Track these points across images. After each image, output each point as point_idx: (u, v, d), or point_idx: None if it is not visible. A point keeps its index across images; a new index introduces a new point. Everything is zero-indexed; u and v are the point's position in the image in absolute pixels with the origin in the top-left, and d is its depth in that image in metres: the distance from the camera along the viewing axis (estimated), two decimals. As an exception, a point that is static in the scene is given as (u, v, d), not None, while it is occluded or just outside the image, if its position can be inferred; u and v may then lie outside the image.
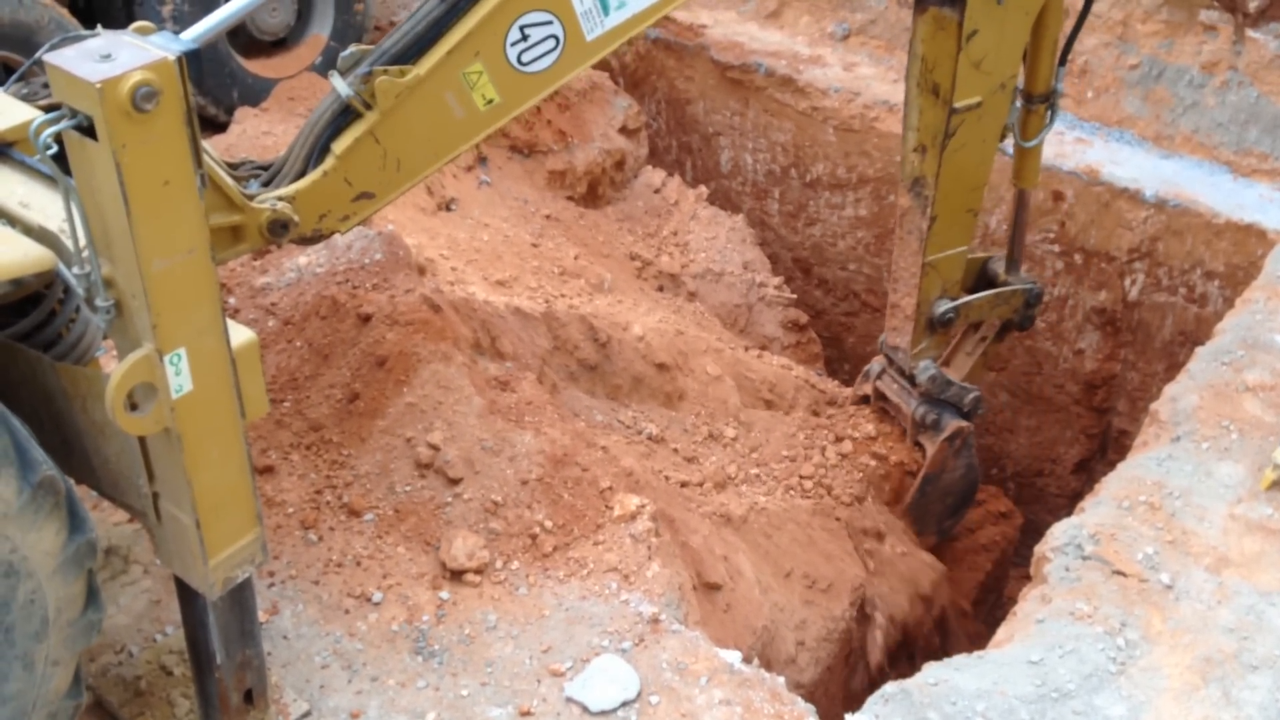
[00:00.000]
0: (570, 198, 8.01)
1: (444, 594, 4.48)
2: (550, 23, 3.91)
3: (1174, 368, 6.78)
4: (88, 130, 2.79)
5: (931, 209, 5.76)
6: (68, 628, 3.38)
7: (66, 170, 2.90)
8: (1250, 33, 7.58)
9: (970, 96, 5.42)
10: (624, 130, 8.43)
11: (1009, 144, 6.00)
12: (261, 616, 4.07)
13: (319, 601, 4.42)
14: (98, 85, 2.69)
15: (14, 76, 3.76)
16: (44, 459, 3.15)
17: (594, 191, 8.23)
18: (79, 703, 3.55)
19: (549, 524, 4.72)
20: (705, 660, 4.29)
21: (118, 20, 6.77)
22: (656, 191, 8.50)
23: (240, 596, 3.64)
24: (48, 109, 2.95)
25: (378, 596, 4.45)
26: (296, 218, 3.78)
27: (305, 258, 5.70)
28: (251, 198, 3.71)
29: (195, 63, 2.92)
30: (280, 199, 3.76)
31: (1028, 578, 5.03)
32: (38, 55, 2.95)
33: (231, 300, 5.53)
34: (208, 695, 3.81)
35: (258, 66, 8.04)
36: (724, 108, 9.32)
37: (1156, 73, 7.97)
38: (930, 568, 6.71)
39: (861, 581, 6.10)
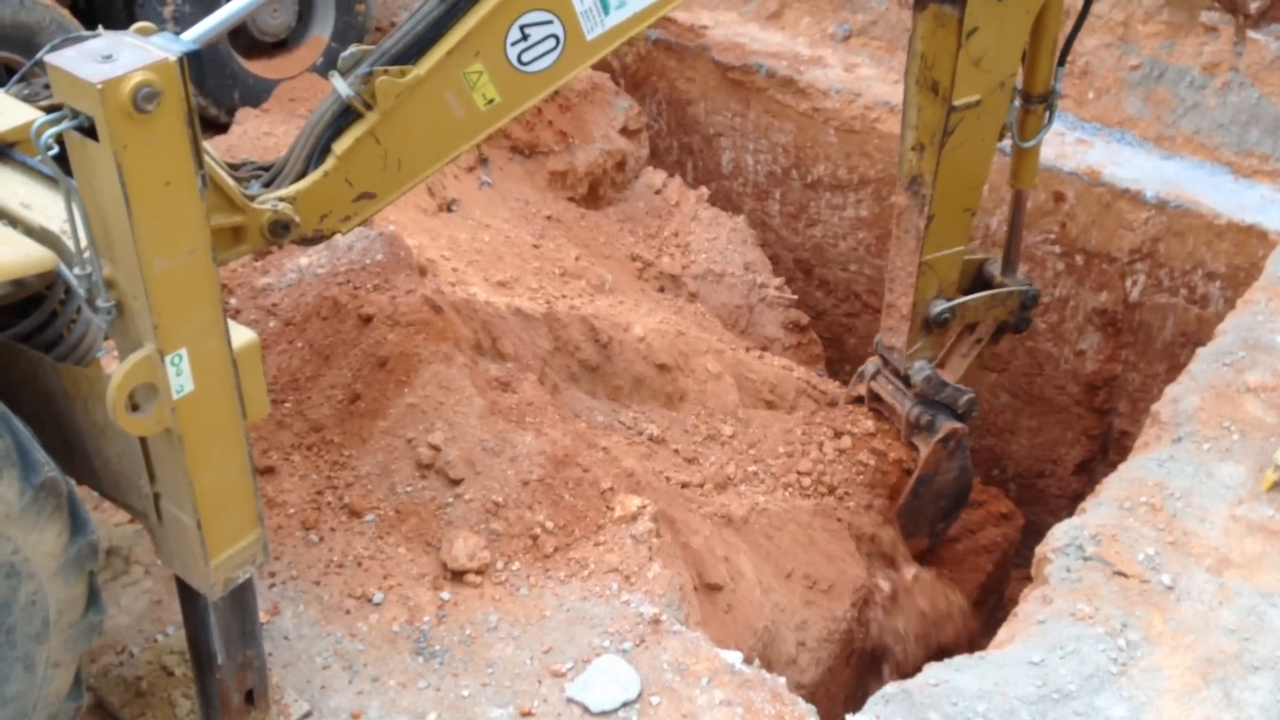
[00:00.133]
0: (571, 199, 8.01)
1: (445, 594, 4.48)
2: (550, 22, 3.91)
3: (1175, 369, 6.78)
4: (89, 131, 2.79)
5: (929, 208, 5.75)
6: (69, 629, 3.38)
7: (68, 171, 2.90)
8: (1251, 34, 7.58)
9: (969, 94, 5.42)
10: (625, 131, 8.43)
11: (1008, 144, 6.00)
12: (262, 617, 4.07)
13: (320, 602, 4.42)
14: (99, 86, 2.69)
15: (15, 77, 3.76)
16: (46, 460, 3.15)
17: (595, 192, 8.23)
18: (79, 704, 3.55)
19: (550, 525, 4.72)
20: (706, 661, 4.29)
21: (119, 21, 6.78)
22: (657, 192, 8.50)
23: (241, 597, 3.64)
24: (49, 110, 2.95)
25: (379, 597, 4.45)
26: (298, 218, 3.78)
27: (306, 258, 5.70)
28: (252, 198, 3.71)
29: (196, 63, 2.93)
30: (281, 199, 3.76)
31: (1029, 578, 5.03)
32: (39, 56, 2.95)
33: (233, 301, 5.53)
34: (209, 696, 3.81)
35: (259, 67, 8.05)
36: (725, 109, 9.33)
37: (1157, 74, 7.97)
38: (950, 603, 6.66)
39: (863, 582, 6.09)
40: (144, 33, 2.99)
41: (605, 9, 3.99)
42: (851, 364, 9.12)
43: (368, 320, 5.24)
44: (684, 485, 5.75)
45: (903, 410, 6.49)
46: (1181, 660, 4.27)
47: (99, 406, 3.23)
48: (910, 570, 6.59)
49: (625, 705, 4.13)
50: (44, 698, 3.39)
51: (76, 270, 3.00)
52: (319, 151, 3.88)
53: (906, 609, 6.46)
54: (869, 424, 6.67)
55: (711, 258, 8.13)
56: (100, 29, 3.17)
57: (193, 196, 2.98)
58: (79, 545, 3.29)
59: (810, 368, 7.85)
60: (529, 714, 4.11)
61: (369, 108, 3.82)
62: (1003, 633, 4.65)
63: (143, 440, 3.29)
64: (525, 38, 3.90)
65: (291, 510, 4.71)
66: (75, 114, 2.80)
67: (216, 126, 7.52)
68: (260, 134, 6.89)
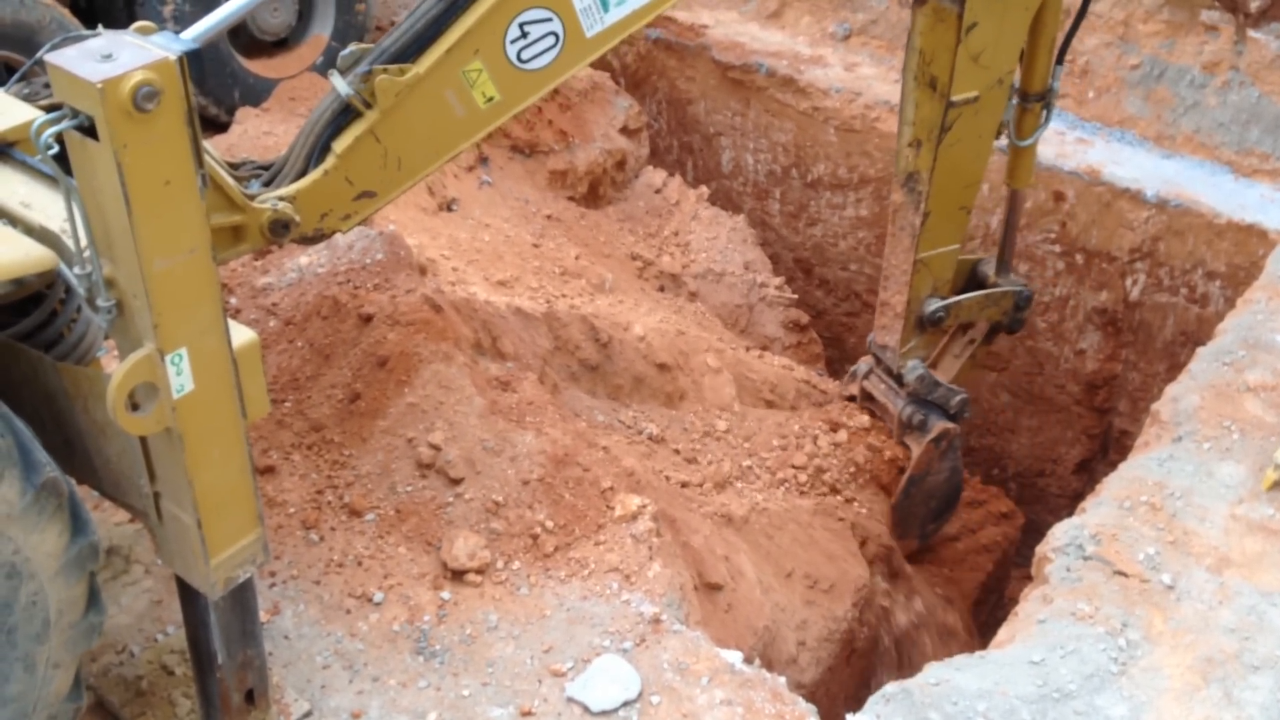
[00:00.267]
0: (571, 198, 8.01)
1: (445, 594, 4.48)
2: (550, 20, 3.91)
3: (1175, 368, 6.78)
4: (89, 130, 2.79)
5: (925, 204, 5.74)
6: (69, 630, 3.38)
7: (68, 170, 2.90)
8: (1251, 33, 7.58)
9: (968, 90, 5.42)
10: (625, 130, 8.43)
11: (1006, 143, 5.99)
12: (263, 616, 4.07)
13: (320, 601, 4.42)
14: (99, 85, 2.69)
15: (15, 76, 3.76)
16: (47, 461, 3.15)
17: (595, 191, 8.23)
18: (79, 705, 3.55)
19: (550, 524, 4.72)
20: (706, 660, 4.29)
21: (119, 20, 6.77)
22: (657, 192, 8.50)
23: (241, 596, 3.64)
24: (49, 109, 2.95)
25: (379, 596, 4.45)
26: (298, 217, 3.78)
27: (306, 258, 5.70)
28: (252, 197, 3.71)
29: (196, 63, 2.93)
30: (281, 199, 3.76)
31: (1029, 578, 5.02)
32: (39, 55, 2.95)
33: (233, 300, 5.53)
34: (209, 695, 3.81)
35: (259, 66, 8.05)
36: (725, 108, 9.32)
37: (1158, 73, 7.97)
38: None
39: (865, 582, 6.09)
40: (144, 32, 2.99)
41: (605, 6, 3.99)
42: (852, 363, 9.08)
43: (368, 320, 5.23)
44: (684, 485, 5.75)
45: (895, 409, 6.47)
46: (1182, 660, 4.27)
47: (99, 406, 3.23)
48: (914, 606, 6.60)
49: (625, 705, 4.13)
50: (44, 698, 3.38)
51: (76, 269, 3.00)
52: (319, 150, 3.88)
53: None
54: (865, 418, 6.65)
55: (711, 257, 8.13)
56: (100, 28, 3.17)
57: (193, 196, 2.98)
58: (80, 546, 3.29)
59: (810, 367, 7.84)
60: (529, 713, 4.11)
61: (369, 106, 3.82)
62: (1003, 632, 4.65)
63: (143, 440, 3.29)
64: (525, 35, 3.89)
65: (292, 510, 4.71)
66: (75, 113, 2.79)
67: (216, 126, 7.52)
68: (260, 133, 6.89)
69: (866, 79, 8.74)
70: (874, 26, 9.09)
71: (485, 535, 4.64)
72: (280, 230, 3.75)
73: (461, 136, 4.04)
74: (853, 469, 6.44)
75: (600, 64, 8.46)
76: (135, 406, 3.09)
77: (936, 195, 5.73)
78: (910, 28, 5.44)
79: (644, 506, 4.80)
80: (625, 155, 8.40)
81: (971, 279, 6.43)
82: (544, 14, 3.89)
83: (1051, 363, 8.60)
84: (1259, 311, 5.86)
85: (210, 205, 3.25)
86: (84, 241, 2.97)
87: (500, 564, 4.60)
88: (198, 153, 2.96)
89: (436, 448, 4.81)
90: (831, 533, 6.14)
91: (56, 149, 2.86)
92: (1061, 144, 7.99)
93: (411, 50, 3.81)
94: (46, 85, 3.50)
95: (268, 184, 3.89)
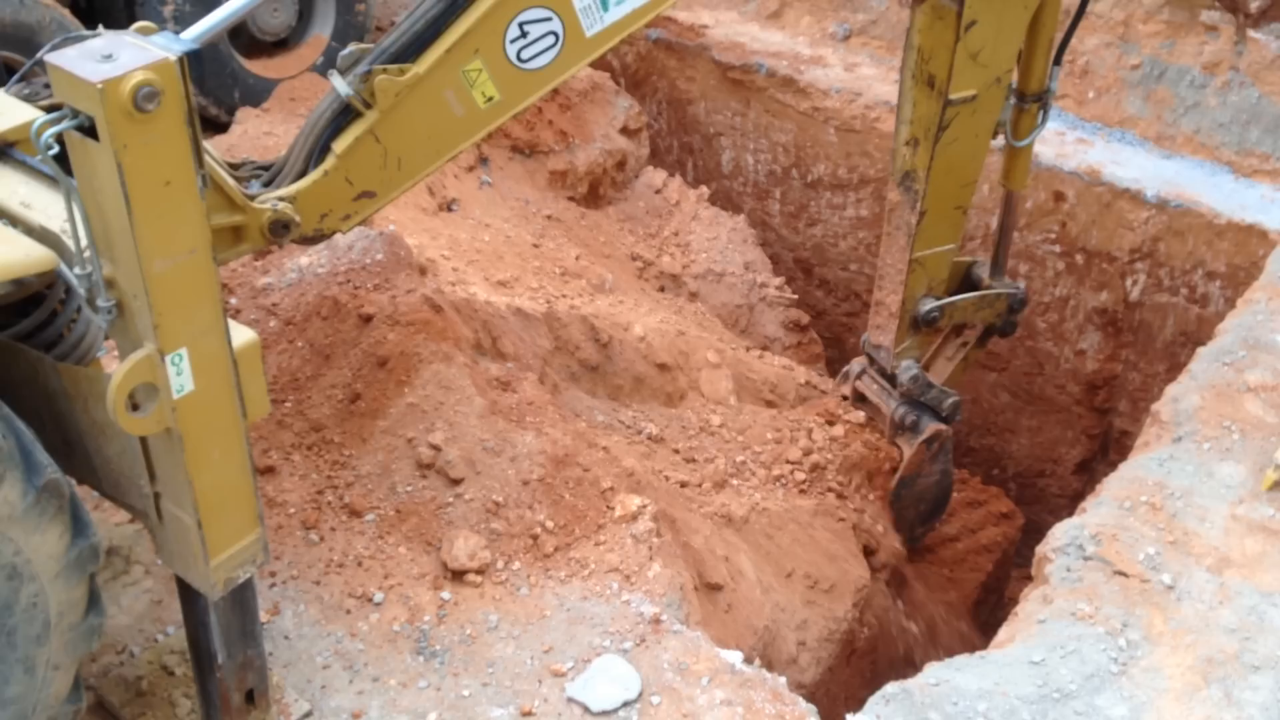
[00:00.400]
0: (571, 198, 8.01)
1: (445, 594, 4.48)
2: (550, 19, 3.91)
3: (1175, 368, 6.78)
4: (89, 130, 2.79)
5: (921, 203, 5.74)
6: (69, 632, 3.38)
7: (68, 170, 2.90)
8: (1252, 33, 7.58)
9: (966, 89, 5.42)
10: (625, 130, 8.43)
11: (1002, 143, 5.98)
12: (263, 617, 4.07)
13: (320, 602, 4.42)
14: (99, 85, 2.69)
15: (15, 76, 3.75)
16: (49, 462, 3.15)
17: (595, 192, 8.23)
18: (79, 707, 3.55)
19: (550, 524, 4.72)
20: (706, 660, 4.29)
21: (119, 20, 6.77)
22: (658, 192, 8.50)
23: (242, 596, 3.64)
24: (49, 109, 2.95)
25: (379, 597, 4.44)
26: (298, 218, 3.78)
27: (307, 258, 5.70)
28: (253, 198, 3.71)
29: (196, 63, 2.93)
30: (281, 199, 3.76)
31: (1029, 578, 5.02)
32: (39, 55, 2.95)
33: (233, 300, 5.53)
34: (209, 695, 3.81)
35: (259, 67, 8.05)
36: (725, 108, 9.33)
37: (1158, 73, 7.97)
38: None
39: (865, 582, 6.09)
40: (144, 32, 2.99)
41: (604, 6, 3.99)
42: (852, 363, 9.13)
43: (368, 320, 5.23)
44: (683, 485, 5.75)
45: (887, 410, 6.46)
46: (1182, 660, 4.27)
47: (99, 406, 3.23)
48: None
49: (625, 705, 4.13)
50: (43, 700, 3.38)
51: (77, 270, 3.00)
52: (319, 150, 3.88)
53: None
54: (861, 414, 6.63)
55: (712, 257, 8.13)
56: (100, 28, 3.17)
57: (193, 196, 2.98)
58: (80, 547, 3.29)
59: (810, 367, 7.84)
60: (529, 714, 4.11)
61: (368, 106, 3.82)
62: (1003, 632, 4.65)
63: (143, 440, 3.29)
64: (524, 35, 3.89)
65: (292, 510, 4.71)
66: (75, 113, 2.79)
67: (217, 126, 7.52)
68: (260, 133, 6.89)
69: (867, 79, 8.74)
70: (874, 27, 9.09)
71: (485, 535, 4.64)
72: (280, 230, 3.75)
73: (461, 136, 4.04)
74: (850, 466, 6.42)
75: (600, 64, 8.46)
76: (135, 407, 3.09)
77: (933, 194, 5.73)
78: (909, 25, 5.43)
79: (644, 507, 4.80)
80: (625, 155, 8.40)
81: (965, 281, 6.42)
82: (544, 13, 3.89)
83: (1052, 363, 8.60)
84: (1259, 312, 5.86)
85: (210, 206, 3.25)
86: (84, 242, 2.97)
87: (500, 564, 4.60)
88: (198, 153, 2.96)
89: (436, 448, 4.81)
90: (832, 533, 6.13)
91: (57, 149, 2.85)
92: (1062, 144, 7.99)
93: (411, 50, 3.81)
94: (47, 85, 3.49)
95: (268, 184, 3.89)
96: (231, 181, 3.64)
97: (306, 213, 3.84)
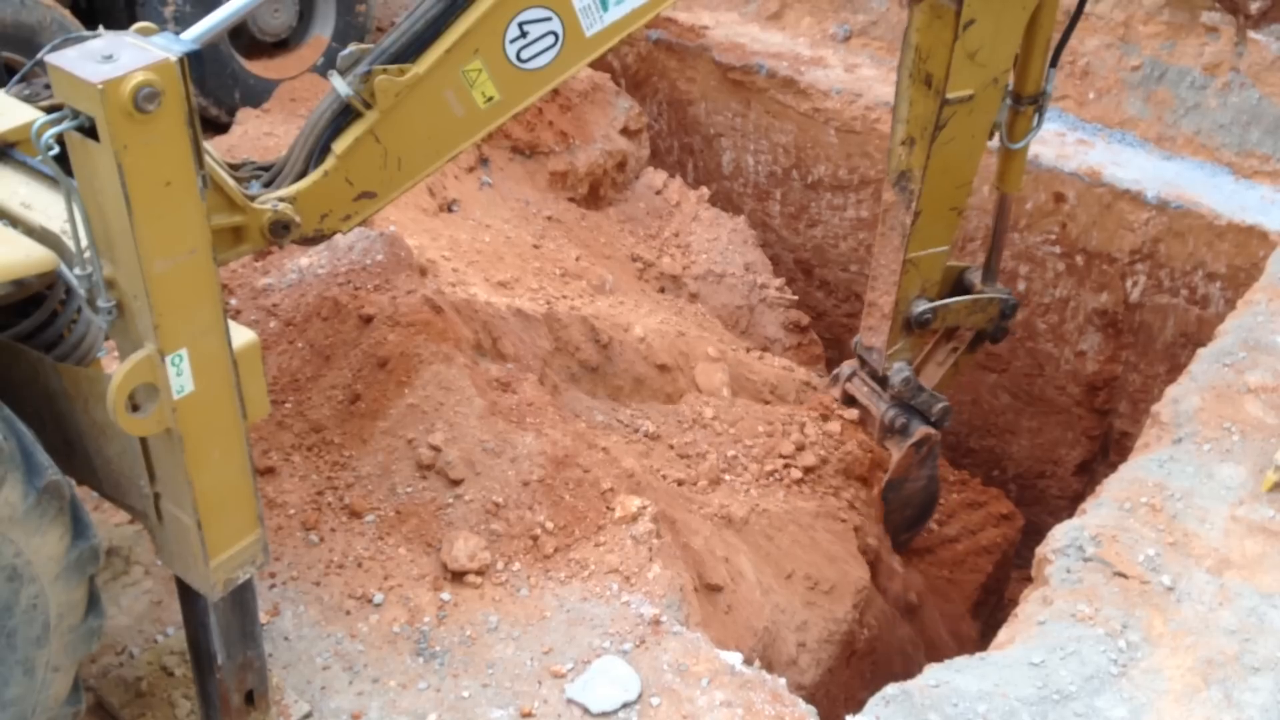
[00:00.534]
0: (572, 199, 8.01)
1: (445, 595, 4.48)
2: (549, 19, 3.91)
3: (1175, 369, 6.78)
4: (89, 131, 2.79)
5: (916, 204, 5.73)
6: (69, 634, 3.37)
7: (68, 171, 2.90)
8: (1252, 34, 7.58)
9: (963, 88, 5.42)
10: (625, 131, 8.43)
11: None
12: (263, 618, 4.07)
13: (320, 603, 4.42)
14: (99, 86, 2.69)
15: (16, 77, 3.75)
16: (49, 463, 3.14)
17: (595, 193, 8.23)
18: (78, 709, 3.55)
19: (550, 525, 4.72)
20: (706, 662, 4.28)
21: (119, 21, 6.78)
22: (658, 193, 8.50)
23: (241, 597, 3.64)
24: (49, 110, 2.95)
25: (379, 598, 4.44)
26: (298, 218, 3.78)
27: (307, 259, 5.70)
28: (253, 198, 3.71)
29: (197, 63, 2.93)
30: (281, 199, 3.76)
31: (1029, 579, 5.02)
32: (40, 56, 2.95)
33: (233, 301, 5.52)
34: (209, 696, 3.80)
35: (259, 67, 8.05)
36: (725, 109, 9.33)
37: (1158, 74, 7.97)
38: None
39: (865, 584, 6.09)
40: (145, 32, 2.99)
41: (604, 6, 3.99)
42: (852, 364, 9.13)
43: (368, 320, 5.23)
44: (680, 483, 5.74)
45: (877, 412, 6.44)
46: (1182, 661, 4.27)
47: (99, 406, 3.23)
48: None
49: (625, 706, 4.13)
50: (43, 702, 3.38)
51: (77, 270, 3.00)
52: (319, 151, 3.88)
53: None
54: (856, 412, 6.61)
55: (712, 258, 8.13)
56: (101, 29, 3.17)
57: (193, 196, 2.98)
58: (80, 549, 3.29)
59: (810, 368, 7.84)
60: (529, 715, 4.11)
61: (368, 107, 3.82)
62: (1003, 634, 4.65)
63: (143, 440, 3.29)
64: (524, 35, 3.90)
65: (292, 511, 4.71)
66: (76, 114, 2.79)
67: (217, 126, 7.52)
68: (261, 134, 6.89)
69: (867, 80, 8.74)
70: (874, 28, 9.09)
71: (485, 536, 4.64)
72: (281, 231, 3.75)
73: (461, 136, 4.04)
74: (847, 464, 6.38)
75: (601, 65, 8.46)
76: (135, 407, 3.09)
77: (928, 194, 5.72)
78: (907, 24, 5.43)
79: (644, 508, 4.80)
80: (626, 156, 8.40)
81: (958, 286, 6.42)
82: (543, 13, 3.89)
83: (1052, 364, 8.60)
84: (1259, 313, 5.85)
85: (211, 206, 3.25)
86: (84, 242, 2.97)
87: (500, 565, 4.60)
88: (198, 154, 2.96)
89: (436, 449, 4.81)
90: (832, 534, 6.13)
91: (57, 150, 2.86)
92: (1062, 145, 7.99)
93: (411, 50, 3.81)
94: (47, 86, 3.50)
95: (268, 185, 3.90)
96: (232, 182, 3.64)
97: (307, 213, 3.84)
